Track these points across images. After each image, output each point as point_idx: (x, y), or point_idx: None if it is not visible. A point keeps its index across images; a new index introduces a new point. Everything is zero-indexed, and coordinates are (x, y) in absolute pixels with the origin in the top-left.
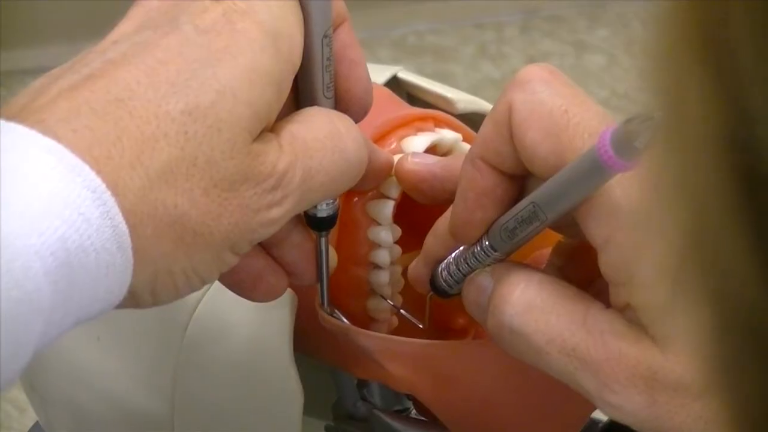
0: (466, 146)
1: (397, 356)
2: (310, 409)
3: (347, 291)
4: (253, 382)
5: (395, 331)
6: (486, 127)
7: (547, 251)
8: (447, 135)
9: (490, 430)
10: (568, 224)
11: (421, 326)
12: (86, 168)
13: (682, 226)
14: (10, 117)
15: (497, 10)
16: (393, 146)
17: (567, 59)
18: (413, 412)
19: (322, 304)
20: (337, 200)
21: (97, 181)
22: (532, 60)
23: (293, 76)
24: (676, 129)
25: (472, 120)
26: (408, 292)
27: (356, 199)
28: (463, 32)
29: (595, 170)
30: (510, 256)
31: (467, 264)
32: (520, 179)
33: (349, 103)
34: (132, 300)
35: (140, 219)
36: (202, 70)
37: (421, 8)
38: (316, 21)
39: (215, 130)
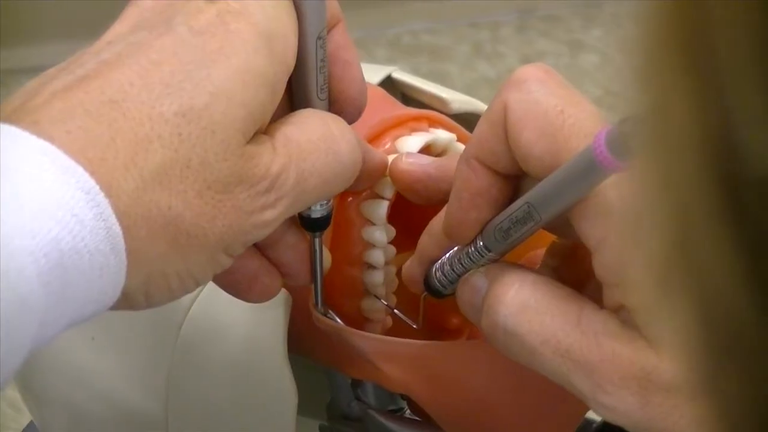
0: (461, 146)
1: (392, 357)
2: (304, 408)
3: (341, 291)
4: (247, 382)
5: (389, 331)
6: (481, 126)
7: (541, 252)
8: (441, 135)
9: (484, 430)
10: (562, 225)
11: (415, 326)
12: (80, 169)
13: (666, 230)
14: (4, 118)
15: (493, 9)
16: (387, 146)
17: (562, 58)
18: (407, 412)
19: (317, 304)
20: (331, 201)
21: (91, 183)
22: (527, 59)
23: (287, 78)
24: (659, 133)
25: (466, 120)
26: (402, 292)
27: (350, 199)
28: (458, 31)
29: (590, 170)
30: (504, 256)
31: (461, 264)
32: (514, 179)
33: (344, 105)
34: (126, 302)
35: (134, 221)
36: (196, 71)
37: (416, 7)
38: (311, 22)
39: (209, 131)
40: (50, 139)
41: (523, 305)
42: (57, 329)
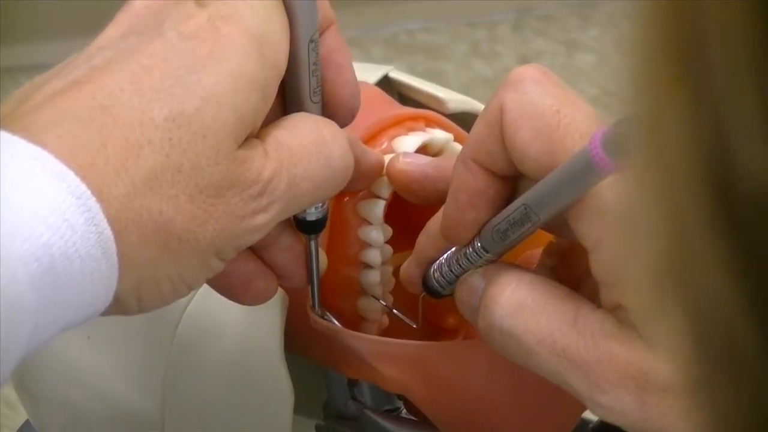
0: (458, 146)
1: (388, 357)
2: (300, 408)
3: (338, 291)
4: (244, 382)
5: (386, 332)
6: (478, 127)
7: (537, 251)
8: (438, 135)
9: (481, 430)
10: (560, 224)
11: (414, 326)
12: (71, 174)
13: (660, 239)
14: None
15: (489, 8)
16: (384, 146)
17: (558, 58)
18: (404, 412)
19: (313, 306)
20: (327, 203)
21: (82, 188)
22: (524, 59)
23: (279, 82)
24: (653, 145)
25: (463, 120)
26: (399, 291)
27: (347, 199)
28: (455, 31)
29: (586, 171)
30: (502, 257)
31: (459, 265)
32: (512, 180)
33: (336, 107)
34: (118, 306)
35: (125, 226)
36: (187, 76)
37: (413, 6)
38: (302, 26)
39: (200, 136)
40: (42, 144)
41: (519, 305)
42: (49, 334)
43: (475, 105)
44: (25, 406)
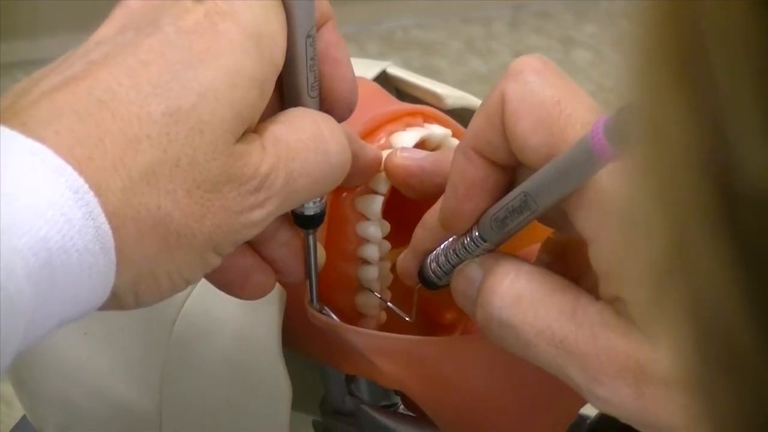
0: (456, 142)
1: (386, 352)
2: (297, 404)
3: (336, 286)
4: (241, 378)
5: (384, 327)
6: (478, 117)
7: (535, 248)
8: (436, 130)
9: (478, 426)
10: (559, 216)
11: (408, 319)
12: (69, 169)
13: (661, 238)
14: None
15: (485, 5)
16: (382, 141)
17: (554, 55)
18: (401, 408)
19: (311, 301)
20: (325, 198)
21: (80, 182)
22: (519, 55)
23: (276, 77)
24: (653, 146)
25: (460, 116)
26: (397, 287)
27: (345, 194)
28: (450, 27)
29: (587, 159)
30: (499, 247)
31: (456, 255)
32: (511, 170)
33: (334, 103)
34: (115, 301)
35: (123, 220)
36: (184, 71)
37: (408, 3)
38: (300, 21)
39: (197, 131)
40: (40, 139)
41: (517, 296)
42: (46, 329)
43: (473, 101)
44: (21, 402)
